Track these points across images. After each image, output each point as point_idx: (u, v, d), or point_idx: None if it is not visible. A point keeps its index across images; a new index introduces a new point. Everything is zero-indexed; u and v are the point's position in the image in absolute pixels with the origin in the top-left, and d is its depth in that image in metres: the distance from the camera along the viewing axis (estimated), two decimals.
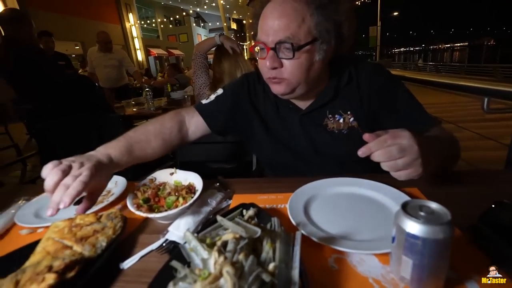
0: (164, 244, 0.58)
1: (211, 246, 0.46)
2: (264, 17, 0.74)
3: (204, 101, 0.96)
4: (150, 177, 0.80)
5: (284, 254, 0.45)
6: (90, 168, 0.59)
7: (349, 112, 0.86)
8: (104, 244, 0.54)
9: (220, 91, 0.98)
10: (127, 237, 0.62)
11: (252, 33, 0.83)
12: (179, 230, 0.59)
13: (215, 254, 0.42)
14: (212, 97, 0.97)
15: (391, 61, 20.69)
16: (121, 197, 0.81)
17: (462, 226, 0.53)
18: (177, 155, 1.64)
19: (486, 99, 1.53)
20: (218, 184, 0.80)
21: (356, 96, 0.85)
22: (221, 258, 0.40)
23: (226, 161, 1.59)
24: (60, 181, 0.55)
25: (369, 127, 0.84)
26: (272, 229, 0.51)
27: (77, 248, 0.52)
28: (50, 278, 0.43)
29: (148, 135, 0.82)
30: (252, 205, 0.64)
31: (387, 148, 0.52)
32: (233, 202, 0.74)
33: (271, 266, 0.41)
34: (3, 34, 2.14)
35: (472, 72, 12.15)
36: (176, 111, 0.94)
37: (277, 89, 0.80)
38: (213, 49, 1.87)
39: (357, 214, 0.64)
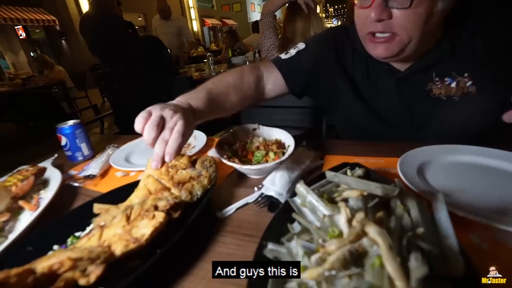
0: (259, 199, 0.53)
1: (330, 202, 0.39)
2: None
3: (283, 56, 0.84)
4: (231, 131, 0.76)
5: (427, 219, 0.36)
6: (183, 118, 0.54)
7: (466, 75, 0.67)
8: (199, 193, 0.51)
9: (301, 45, 0.85)
10: (218, 188, 0.59)
11: None
12: (275, 185, 0.54)
13: (345, 210, 0.34)
14: (293, 52, 0.84)
15: None
16: (203, 151, 0.79)
17: None
18: (242, 119, 1.60)
19: None
20: (305, 142, 0.72)
21: (480, 54, 0.65)
22: (361, 215, 0.32)
23: (292, 127, 1.51)
24: (158, 136, 0.52)
25: (490, 94, 0.66)
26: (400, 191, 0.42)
27: (175, 191, 0.49)
28: (160, 216, 0.40)
29: (228, 88, 0.74)
30: (358, 165, 0.54)
31: None
32: (326, 163, 0.66)
33: (419, 230, 0.33)
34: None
35: None
36: (254, 65, 0.85)
37: (379, 51, 0.65)
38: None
39: (490, 186, 0.51)
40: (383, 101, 0.77)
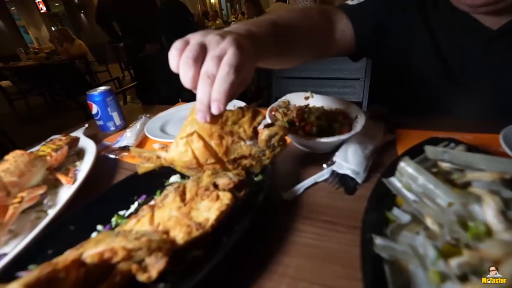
0: (330, 178, 0.44)
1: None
2: None
3: (350, 2, 0.69)
4: (282, 99, 0.66)
5: None
6: (235, 44, 0.34)
7: None
8: (257, 171, 0.42)
9: None
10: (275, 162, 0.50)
11: None
12: (348, 162, 0.44)
13: (493, 199, 0.25)
14: None
15: None
16: None
17: None
18: (273, 90, 1.48)
19: None
20: (369, 113, 0.61)
21: None
22: None
23: None
24: (198, 73, 0.34)
25: None
26: None
27: (230, 167, 0.41)
28: (226, 197, 0.32)
29: (296, 22, 0.54)
30: (453, 140, 0.43)
31: None
32: (399, 138, 0.55)
33: None
34: None
35: None
36: (321, 7, 0.69)
37: None
38: None
39: None
40: (468, 65, 0.63)
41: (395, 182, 0.33)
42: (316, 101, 0.65)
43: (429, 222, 0.28)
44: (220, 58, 0.33)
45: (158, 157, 0.42)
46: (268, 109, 0.60)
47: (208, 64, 0.33)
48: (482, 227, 0.24)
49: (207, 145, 0.38)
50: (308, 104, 0.61)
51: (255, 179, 0.42)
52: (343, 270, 0.30)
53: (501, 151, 0.45)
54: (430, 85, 0.69)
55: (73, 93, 3.08)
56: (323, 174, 0.45)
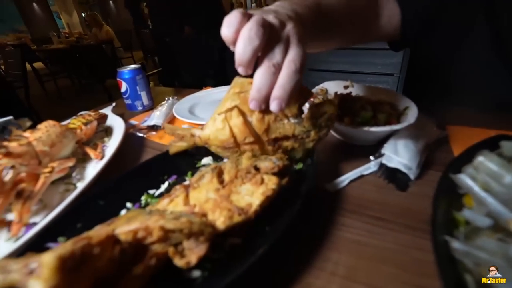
0: (379, 172, 0.40)
1: None
2: None
3: None
4: (320, 86, 0.62)
5: None
6: (302, 39, 0.32)
7: None
8: (298, 156, 0.39)
9: None
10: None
11: None
12: (399, 155, 0.40)
13: None
14: None
15: None
16: None
17: None
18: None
19: None
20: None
21: None
22: None
23: None
24: (261, 56, 0.30)
25: None
26: None
27: (269, 148, 0.37)
28: (273, 182, 0.29)
29: (337, 12, 0.50)
30: None
31: None
32: (452, 136, 0.50)
33: None
34: None
35: None
36: None
37: None
38: None
39: None
40: None
41: (466, 179, 0.29)
42: (358, 90, 0.60)
43: None
44: (286, 49, 0.30)
45: (192, 135, 0.39)
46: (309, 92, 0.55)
47: (275, 52, 0.30)
48: None
49: (246, 122, 0.35)
50: (350, 92, 0.56)
51: (295, 167, 0.39)
52: (404, 274, 0.26)
53: None
54: (484, 83, 0.62)
55: (100, 76, 3.15)
56: (370, 167, 0.40)
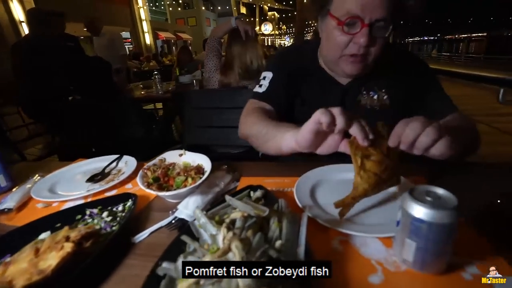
0: (173, 221, 0.60)
1: (219, 223, 0.47)
2: None
3: (259, 89, 0.94)
4: (159, 157, 0.82)
5: (291, 233, 0.46)
6: None
7: (384, 90, 0.88)
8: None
9: (269, 74, 0.95)
10: (138, 213, 0.64)
11: (321, 4, 0.79)
12: (188, 208, 0.61)
13: (223, 230, 0.43)
14: (265, 83, 0.94)
15: None
16: (131, 177, 0.83)
17: (467, 214, 0.53)
18: (185, 139, 1.65)
19: (502, 90, 1.49)
20: (226, 166, 0.81)
21: (393, 76, 0.87)
22: (230, 234, 0.41)
23: (233, 146, 1.60)
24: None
25: (400, 108, 0.87)
26: (279, 210, 0.52)
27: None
28: (68, 246, 0.45)
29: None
30: (260, 187, 0.65)
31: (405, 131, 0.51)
32: (241, 185, 0.76)
33: (277, 243, 0.43)
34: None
35: (489, 64, 11.74)
36: (253, 108, 0.90)
37: (355, 68, 0.79)
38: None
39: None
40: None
41: (195, 222, 0.51)
42: (188, 157, 0.83)
43: (196, 247, 0.45)
44: None
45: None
46: (143, 167, 0.75)
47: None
48: (215, 248, 0.42)
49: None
50: (174, 163, 0.78)
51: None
52: None
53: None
54: None
55: None
56: (168, 219, 0.61)
